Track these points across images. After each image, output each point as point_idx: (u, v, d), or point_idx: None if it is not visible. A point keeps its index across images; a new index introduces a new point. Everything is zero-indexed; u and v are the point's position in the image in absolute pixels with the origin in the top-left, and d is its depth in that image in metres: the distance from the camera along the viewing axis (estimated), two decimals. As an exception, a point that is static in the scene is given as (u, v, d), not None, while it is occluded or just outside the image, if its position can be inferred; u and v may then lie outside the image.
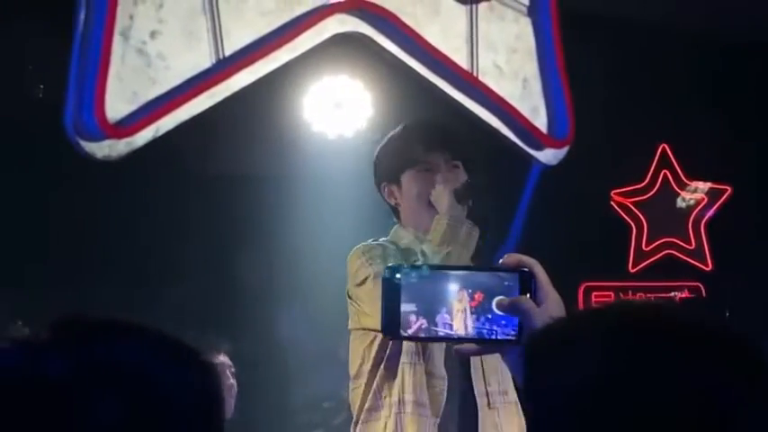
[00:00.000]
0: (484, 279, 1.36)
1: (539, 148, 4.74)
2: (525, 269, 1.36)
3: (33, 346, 0.99)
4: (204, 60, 4.03)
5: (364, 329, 3.03)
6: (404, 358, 2.96)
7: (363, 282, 2.97)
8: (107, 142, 3.86)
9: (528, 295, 1.35)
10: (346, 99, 5.31)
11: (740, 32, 6.29)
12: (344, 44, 4.72)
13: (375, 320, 2.86)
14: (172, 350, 1.04)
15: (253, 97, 4.56)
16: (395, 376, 2.96)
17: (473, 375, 2.98)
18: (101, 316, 1.04)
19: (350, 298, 3.06)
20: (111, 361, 0.99)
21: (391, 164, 3.12)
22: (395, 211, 3.16)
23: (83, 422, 0.94)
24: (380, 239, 3.07)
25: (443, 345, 2.89)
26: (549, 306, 1.34)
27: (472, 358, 2.92)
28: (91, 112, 3.80)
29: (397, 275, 1.35)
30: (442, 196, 3.01)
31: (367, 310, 2.97)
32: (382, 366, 2.99)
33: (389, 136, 3.17)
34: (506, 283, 1.36)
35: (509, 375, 2.93)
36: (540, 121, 4.74)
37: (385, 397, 2.98)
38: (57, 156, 4.33)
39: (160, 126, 3.95)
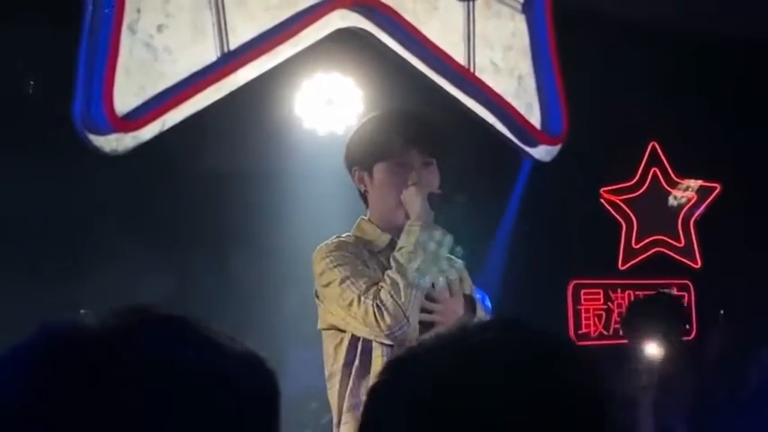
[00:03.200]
0: None
1: (533, 144, 4.97)
2: None
3: (106, 328, 1.03)
4: (210, 54, 4.27)
5: (333, 328, 3.13)
6: (377, 351, 3.07)
7: (330, 284, 3.07)
8: (114, 136, 4.10)
9: None
10: (338, 96, 5.42)
11: (730, 31, 6.51)
12: (337, 41, 4.89)
13: (343, 321, 3.07)
14: (237, 351, 1.08)
15: (244, 93, 4.72)
16: (370, 372, 3.05)
17: None
18: (166, 310, 1.09)
19: (317, 298, 3.16)
20: (171, 354, 1.02)
21: (366, 151, 3.16)
22: (363, 197, 3.24)
23: (147, 401, 0.98)
24: (343, 234, 3.18)
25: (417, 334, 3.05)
26: None
27: None
28: (99, 105, 4.03)
29: None
30: (414, 200, 3.07)
31: (334, 311, 3.08)
32: (357, 363, 3.08)
33: (367, 120, 3.22)
34: None
35: None
36: (534, 118, 4.98)
37: (363, 394, 3.04)
38: (54, 150, 4.48)
39: (166, 120, 4.18)
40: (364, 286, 3.02)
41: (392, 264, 3.02)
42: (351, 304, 3.03)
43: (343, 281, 3.04)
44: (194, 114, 4.45)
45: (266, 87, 5.07)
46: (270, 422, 1.10)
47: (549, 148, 5.03)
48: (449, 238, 3.10)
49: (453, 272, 3.24)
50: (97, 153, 4.07)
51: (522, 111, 4.91)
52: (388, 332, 2.98)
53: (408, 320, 2.98)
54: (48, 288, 4.65)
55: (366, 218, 3.21)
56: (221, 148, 5.35)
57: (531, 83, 4.96)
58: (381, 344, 3.06)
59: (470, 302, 3.25)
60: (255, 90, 4.90)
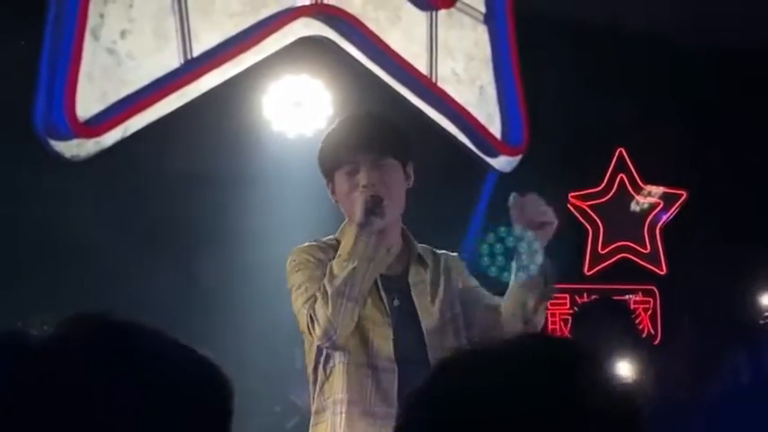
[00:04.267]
0: None
1: (493, 155, 5.08)
2: None
3: (57, 336, 1.09)
4: (173, 61, 4.35)
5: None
6: (338, 358, 3.15)
7: (290, 289, 3.15)
8: (76, 141, 4.16)
9: None
10: (307, 98, 5.47)
11: (696, 38, 6.62)
12: (305, 43, 4.97)
13: (301, 324, 3.12)
14: (189, 353, 1.15)
15: (212, 95, 4.77)
16: (331, 377, 3.14)
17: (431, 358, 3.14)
18: (121, 316, 1.14)
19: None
20: (131, 354, 1.09)
21: (324, 163, 3.22)
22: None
23: (102, 405, 1.04)
24: (326, 237, 3.24)
25: (389, 336, 3.11)
26: None
27: (430, 340, 3.16)
28: (61, 111, 4.10)
29: None
30: (355, 205, 3.09)
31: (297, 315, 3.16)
32: (320, 368, 3.16)
33: (326, 133, 3.29)
34: None
35: None
36: (495, 129, 5.09)
37: (328, 398, 3.15)
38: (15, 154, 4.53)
39: (128, 126, 4.26)
40: (312, 292, 3.08)
41: (327, 272, 3.08)
42: (298, 312, 3.12)
43: (299, 287, 3.12)
44: (162, 115, 4.51)
45: (234, 89, 5.10)
46: (221, 429, 1.15)
47: (509, 158, 5.14)
48: (389, 251, 3.12)
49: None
50: (58, 158, 4.13)
51: (483, 121, 5.02)
52: (319, 342, 3.07)
53: (336, 331, 3.02)
54: (8, 292, 4.70)
55: (347, 223, 3.27)
56: (189, 151, 5.40)
57: (492, 93, 5.07)
58: (341, 352, 3.12)
59: None
60: (224, 92, 4.94)
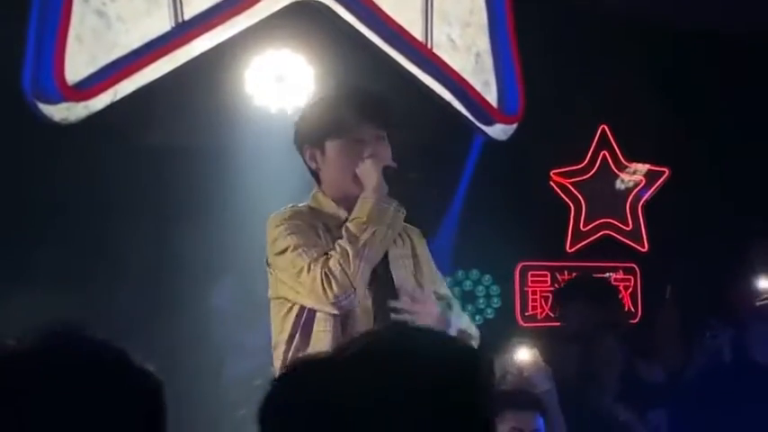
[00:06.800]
0: None
1: (489, 123, 5.07)
2: None
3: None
4: (164, 24, 4.29)
5: (282, 298, 3.19)
6: (318, 326, 3.14)
7: (283, 252, 3.12)
8: (65, 105, 4.11)
9: None
10: (288, 73, 5.43)
11: (682, 19, 6.64)
12: (288, 17, 4.95)
13: (292, 291, 3.13)
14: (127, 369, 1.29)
15: (194, 68, 4.74)
16: (309, 346, 3.13)
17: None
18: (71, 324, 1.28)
19: (269, 266, 3.22)
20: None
21: (318, 127, 3.22)
22: (314, 174, 3.29)
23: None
24: (300, 204, 3.27)
25: (370, 308, 3.15)
26: None
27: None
28: (50, 73, 4.04)
29: None
30: (370, 173, 3.15)
31: (284, 279, 3.15)
32: (297, 336, 3.15)
33: (318, 99, 3.36)
34: None
35: None
36: (491, 96, 5.07)
37: None
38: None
39: (118, 90, 4.18)
40: (315, 254, 3.10)
41: (344, 233, 3.12)
42: (300, 272, 3.10)
43: (295, 248, 3.12)
44: (144, 87, 4.45)
45: (216, 63, 5.06)
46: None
47: (505, 126, 5.13)
48: (403, 211, 3.19)
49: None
50: (47, 122, 4.04)
51: (478, 88, 5.00)
52: (334, 300, 3.06)
53: (355, 289, 3.07)
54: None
55: (321, 191, 3.28)
56: (170, 123, 5.32)
57: (488, 60, 5.06)
58: (324, 319, 3.13)
59: None
60: (205, 65, 4.90)
